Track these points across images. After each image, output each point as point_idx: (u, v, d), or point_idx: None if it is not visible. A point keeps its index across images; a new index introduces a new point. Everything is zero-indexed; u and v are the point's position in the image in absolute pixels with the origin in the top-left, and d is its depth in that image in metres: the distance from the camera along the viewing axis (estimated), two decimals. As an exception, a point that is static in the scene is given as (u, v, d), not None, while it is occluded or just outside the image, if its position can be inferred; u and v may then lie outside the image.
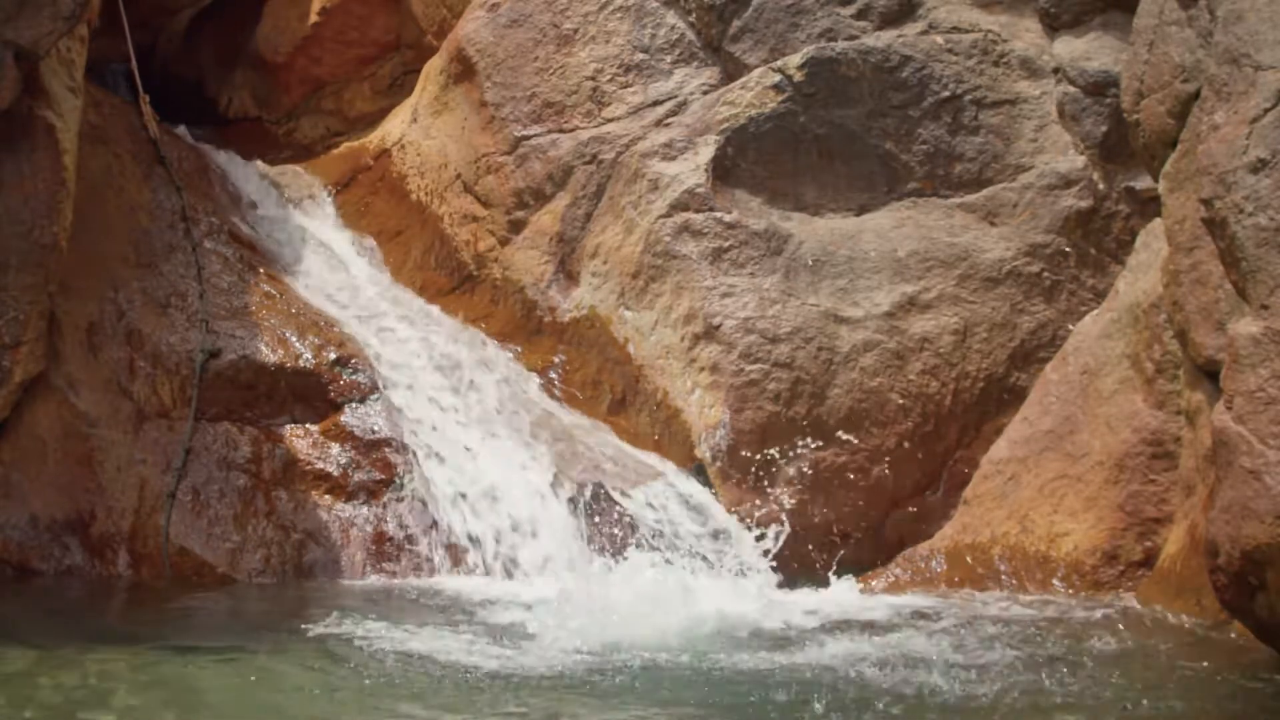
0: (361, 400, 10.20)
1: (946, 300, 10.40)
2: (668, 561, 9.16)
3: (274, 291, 10.88)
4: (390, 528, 9.73)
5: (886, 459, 10.13)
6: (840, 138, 10.85)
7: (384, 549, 9.66)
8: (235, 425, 10.03)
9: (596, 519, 9.73)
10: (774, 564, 9.58)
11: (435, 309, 11.43)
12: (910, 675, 6.87)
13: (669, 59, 11.47)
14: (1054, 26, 11.02)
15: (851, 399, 10.17)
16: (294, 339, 10.37)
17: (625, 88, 11.47)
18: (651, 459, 10.29)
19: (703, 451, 10.07)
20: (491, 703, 6.46)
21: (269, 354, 10.23)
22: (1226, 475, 6.86)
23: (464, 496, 9.85)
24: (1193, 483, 8.27)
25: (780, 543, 9.37)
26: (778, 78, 10.92)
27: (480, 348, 11.06)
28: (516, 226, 11.55)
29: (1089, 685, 6.85)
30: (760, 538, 9.55)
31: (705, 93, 11.26)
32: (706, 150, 10.83)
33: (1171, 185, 8.12)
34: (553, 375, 10.96)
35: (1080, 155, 10.63)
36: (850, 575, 9.43)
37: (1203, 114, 7.43)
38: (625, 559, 9.35)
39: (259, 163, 12.67)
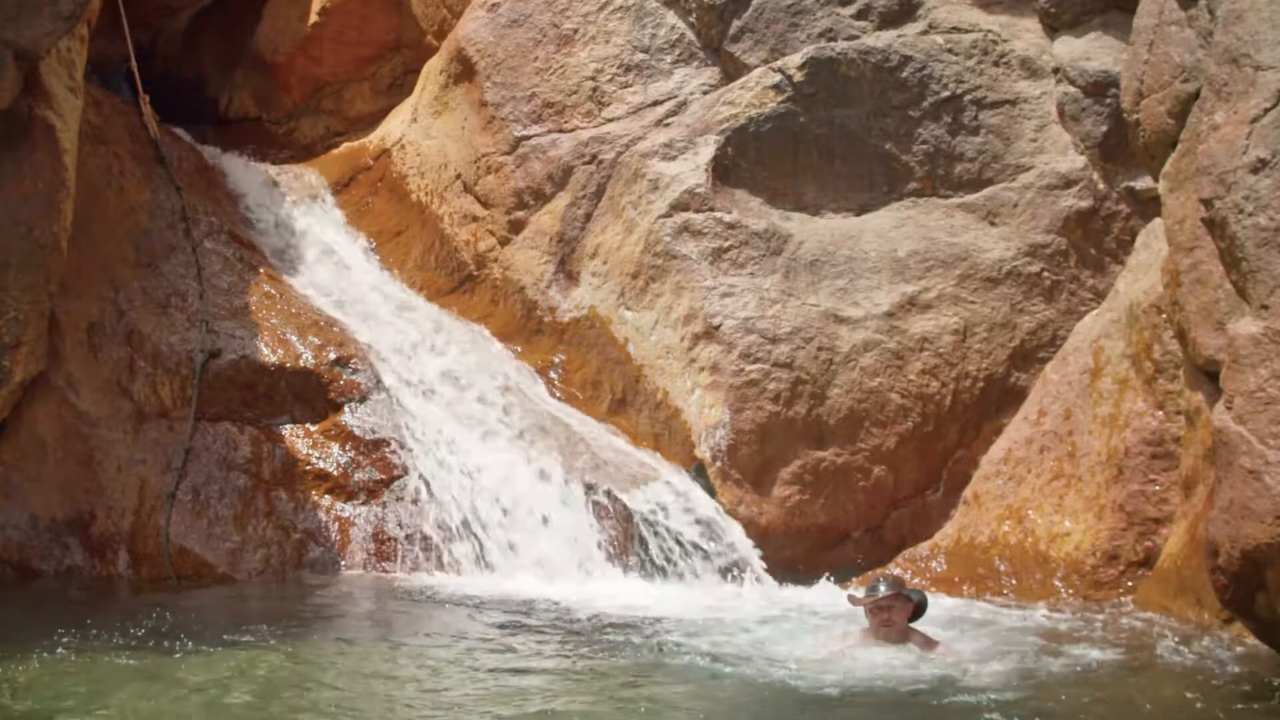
0: (361, 400, 10.19)
1: (946, 300, 10.40)
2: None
3: (274, 291, 10.88)
4: (390, 527, 9.73)
5: (886, 459, 10.13)
6: (840, 138, 10.85)
7: (384, 548, 9.66)
8: (235, 425, 10.03)
9: (601, 519, 9.73)
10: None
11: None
12: (912, 675, 6.87)
13: (669, 59, 11.47)
14: (1054, 26, 11.02)
15: (851, 399, 10.16)
16: (294, 339, 10.37)
17: (625, 88, 11.47)
18: (658, 460, 10.30)
19: (703, 451, 10.06)
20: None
21: (269, 354, 10.23)
22: (1226, 475, 6.86)
23: (465, 496, 9.86)
24: (1193, 483, 8.27)
25: None
26: (778, 78, 10.92)
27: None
28: (516, 226, 11.55)
29: (1092, 686, 6.85)
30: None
31: (705, 93, 11.27)
32: (706, 150, 10.83)
33: (1171, 185, 8.12)
34: (553, 375, 10.95)
35: (1080, 155, 10.63)
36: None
37: (1203, 114, 7.43)
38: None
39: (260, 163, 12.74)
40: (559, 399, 10.78)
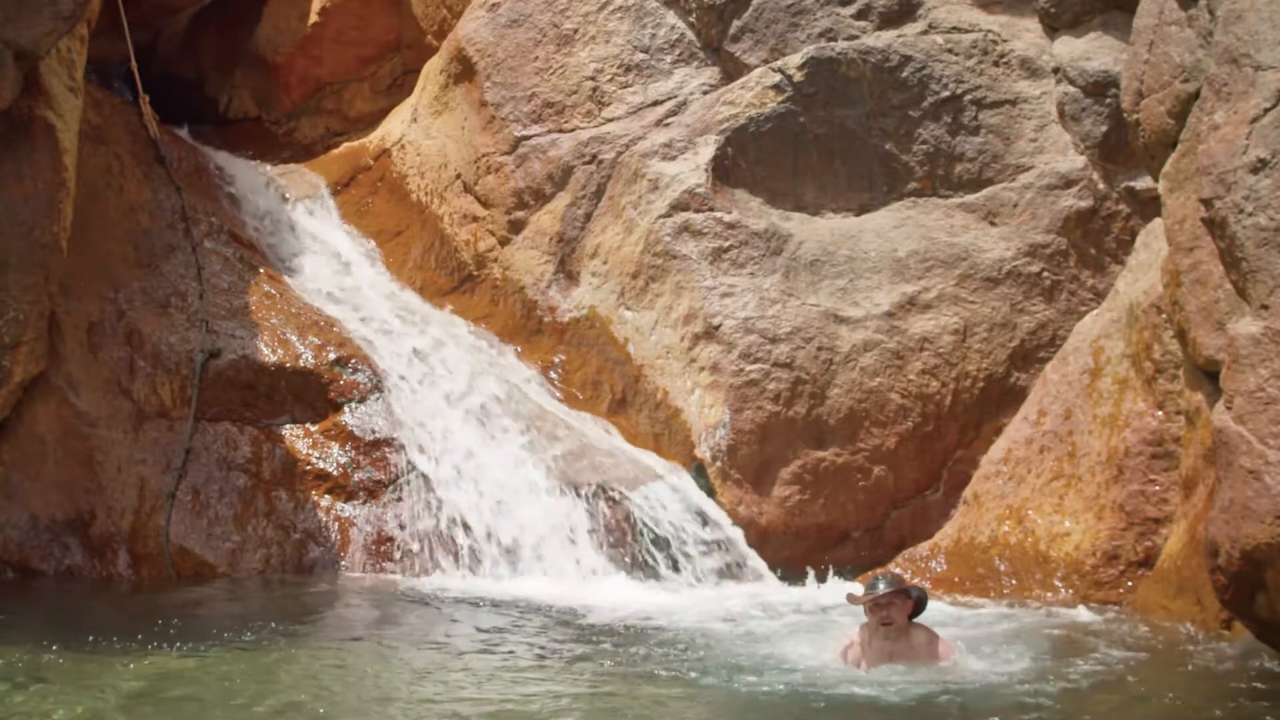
0: (361, 400, 10.19)
1: (946, 300, 10.40)
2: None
3: (274, 291, 10.88)
4: (390, 527, 9.72)
5: (886, 459, 10.13)
6: (840, 138, 10.85)
7: (384, 548, 9.66)
8: (235, 425, 10.03)
9: (601, 520, 9.73)
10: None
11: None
12: (916, 677, 6.87)
13: (669, 59, 11.47)
14: (1054, 26, 11.01)
15: (851, 399, 10.16)
16: (294, 339, 10.36)
17: (625, 88, 11.47)
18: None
19: (703, 451, 10.06)
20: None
21: (269, 354, 10.23)
22: (1226, 475, 6.85)
23: (465, 497, 9.86)
24: (1193, 483, 8.27)
25: None
26: (778, 78, 10.92)
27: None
28: (516, 226, 11.55)
29: (1091, 685, 6.85)
30: None
31: (705, 93, 11.27)
32: (706, 150, 10.83)
33: (1171, 185, 8.12)
34: (553, 375, 10.95)
35: (1080, 155, 10.63)
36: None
37: (1203, 114, 7.42)
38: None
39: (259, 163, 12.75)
40: (559, 399, 10.78)
